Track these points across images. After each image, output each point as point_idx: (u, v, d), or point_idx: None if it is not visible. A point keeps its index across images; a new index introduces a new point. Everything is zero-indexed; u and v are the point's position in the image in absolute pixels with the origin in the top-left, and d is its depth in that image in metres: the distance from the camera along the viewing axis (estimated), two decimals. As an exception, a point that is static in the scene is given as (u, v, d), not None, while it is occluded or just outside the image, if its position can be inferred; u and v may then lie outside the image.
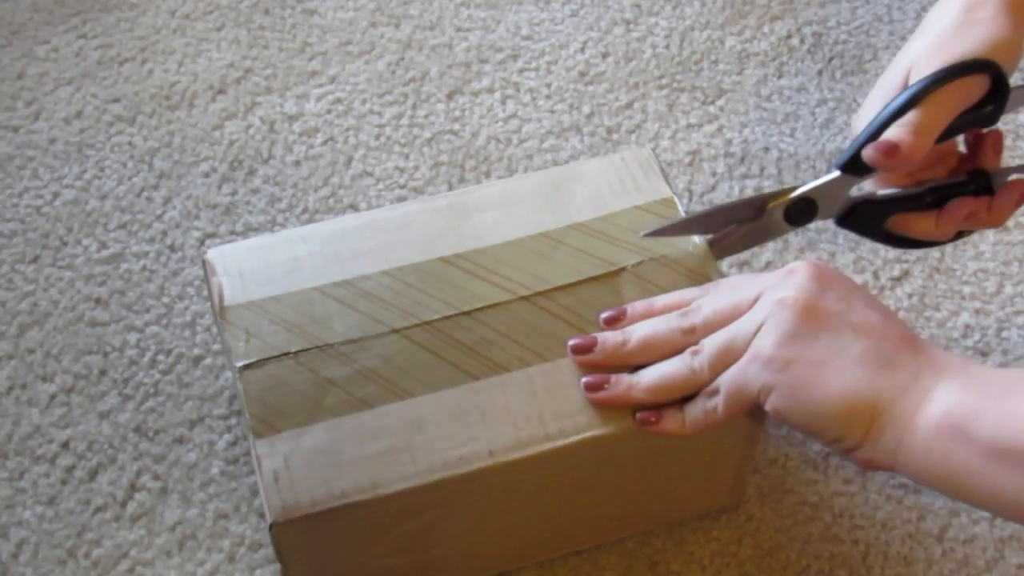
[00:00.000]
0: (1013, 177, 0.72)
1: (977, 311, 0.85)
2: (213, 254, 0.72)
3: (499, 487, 0.66)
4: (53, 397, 0.81)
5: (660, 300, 0.68)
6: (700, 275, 0.70)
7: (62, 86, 0.97)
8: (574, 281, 0.70)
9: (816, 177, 0.72)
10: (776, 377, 0.62)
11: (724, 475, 0.73)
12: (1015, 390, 0.58)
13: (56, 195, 0.91)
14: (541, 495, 0.68)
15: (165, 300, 0.85)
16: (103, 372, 0.82)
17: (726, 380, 0.64)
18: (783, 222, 0.72)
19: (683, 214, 0.73)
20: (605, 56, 1.00)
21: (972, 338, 0.84)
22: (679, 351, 0.66)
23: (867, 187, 0.72)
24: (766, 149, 0.94)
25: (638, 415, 0.65)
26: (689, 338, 0.66)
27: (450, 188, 0.91)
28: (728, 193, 0.91)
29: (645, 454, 0.68)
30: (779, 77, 0.98)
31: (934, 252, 0.88)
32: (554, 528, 0.72)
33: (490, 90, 0.97)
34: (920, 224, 0.72)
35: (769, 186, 0.91)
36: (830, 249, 0.88)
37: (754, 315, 0.64)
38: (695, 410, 0.65)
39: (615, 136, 0.95)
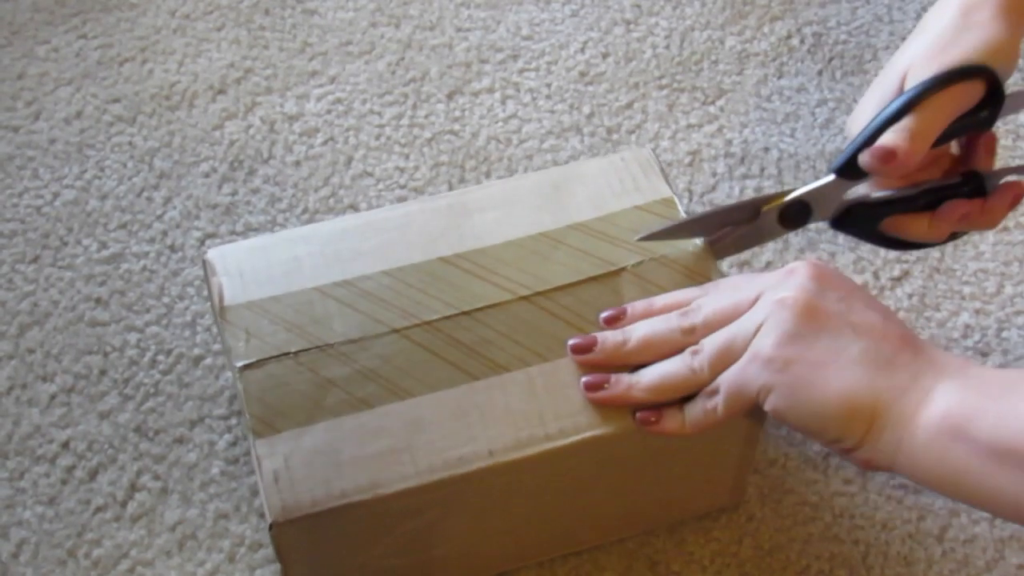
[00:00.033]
0: (1007, 179, 0.72)
1: (977, 311, 0.85)
2: (213, 254, 0.72)
3: (499, 487, 0.66)
4: (53, 397, 0.81)
5: (660, 300, 0.68)
6: (700, 275, 0.70)
7: (62, 86, 0.97)
8: (574, 281, 0.70)
9: (816, 178, 0.72)
10: (776, 377, 0.62)
11: (724, 475, 0.73)
12: (1015, 391, 0.58)
13: (56, 195, 0.91)
14: (541, 495, 0.68)
15: (165, 300, 0.85)
16: (103, 372, 0.82)
17: (726, 380, 0.64)
18: (777, 225, 0.73)
19: (683, 214, 0.73)
20: (605, 56, 1.00)
21: (972, 338, 0.84)
22: (679, 351, 0.66)
23: (861, 189, 0.72)
24: (766, 149, 0.94)
25: (638, 415, 0.65)
26: (689, 338, 0.66)
27: (450, 188, 0.91)
28: (728, 193, 0.91)
29: (645, 454, 0.68)
30: (779, 77, 0.98)
31: (934, 252, 0.88)
32: (554, 528, 0.72)
33: (490, 90, 0.97)
34: (914, 226, 0.72)
35: (769, 186, 0.91)
36: (830, 249, 0.88)
37: (754, 315, 0.64)
38: (695, 410, 0.65)
39: (615, 136, 0.95)
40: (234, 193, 0.91)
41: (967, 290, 0.86)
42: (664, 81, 0.98)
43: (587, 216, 0.73)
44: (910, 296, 0.86)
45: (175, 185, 0.91)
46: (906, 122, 0.67)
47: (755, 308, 0.64)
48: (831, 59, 0.99)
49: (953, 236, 0.73)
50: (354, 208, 0.90)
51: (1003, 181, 0.72)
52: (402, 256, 0.71)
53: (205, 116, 0.96)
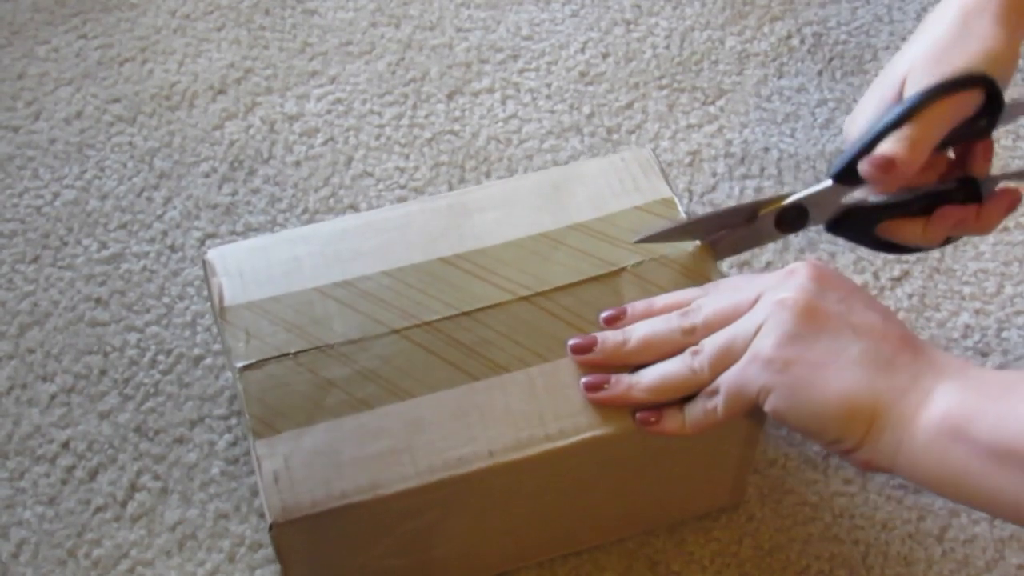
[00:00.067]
0: (1002, 185, 0.72)
1: (977, 311, 0.85)
2: (213, 254, 0.72)
3: (499, 487, 0.66)
4: (53, 397, 0.81)
5: (660, 300, 0.68)
6: (700, 275, 0.70)
7: (62, 86, 0.97)
8: (574, 281, 0.70)
9: (816, 178, 0.73)
10: (775, 378, 0.62)
11: (724, 475, 0.73)
12: (1014, 392, 0.58)
13: (56, 195, 0.91)
14: (541, 495, 0.68)
15: (165, 300, 0.85)
16: (103, 372, 0.82)
17: (726, 380, 0.64)
18: (775, 228, 0.73)
19: (683, 215, 0.73)
20: (605, 56, 1.00)
21: (972, 338, 0.84)
22: (679, 351, 0.66)
23: (858, 193, 0.72)
24: (766, 149, 0.94)
25: (638, 415, 0.66)
26: (689, 338, 0.66)
27: (450, 188, 0.91)
28: (728, 193, 0.91)
29: (645, 454, 0.68)
30: (779, 77, 0.98)
31: (934, 253, 0.88)
32: (554, 528, 0.72)
33: (490, 90, 0.97)
34: (909, 230, 0.72)
35: (769, 186, 0.91)
36: (830, 249, 0.88)
37: (754, 315, 0.64)
38: (695, 410, 0.65)
39: (615, 136, 0.95)
40: (234, 193, 0.91)
41: (967, 290, 0.86)
42: (664, 81, 0.98)
43: (587, 216, 0.73)
44: (910, 296, 0.86)
45: (175, 185, 0.91)
46: (905, 131, 0.67)
47: (755, 309, 0.64)
48: (831, 59, 0.99)
49: (947, 241, 0.73)
50: (354, 208, 0.90)
51: (998, 187, 0.72)
52: (402, 256, 0.71)
53: (205, 116, 0.96)
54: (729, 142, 0.94)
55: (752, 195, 0.91)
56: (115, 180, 0.92)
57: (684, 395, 0.65)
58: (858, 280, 0.86)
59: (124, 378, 0.81)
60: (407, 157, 0.93)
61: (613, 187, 0.75)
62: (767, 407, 0.63)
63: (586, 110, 0.96)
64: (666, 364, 0.66)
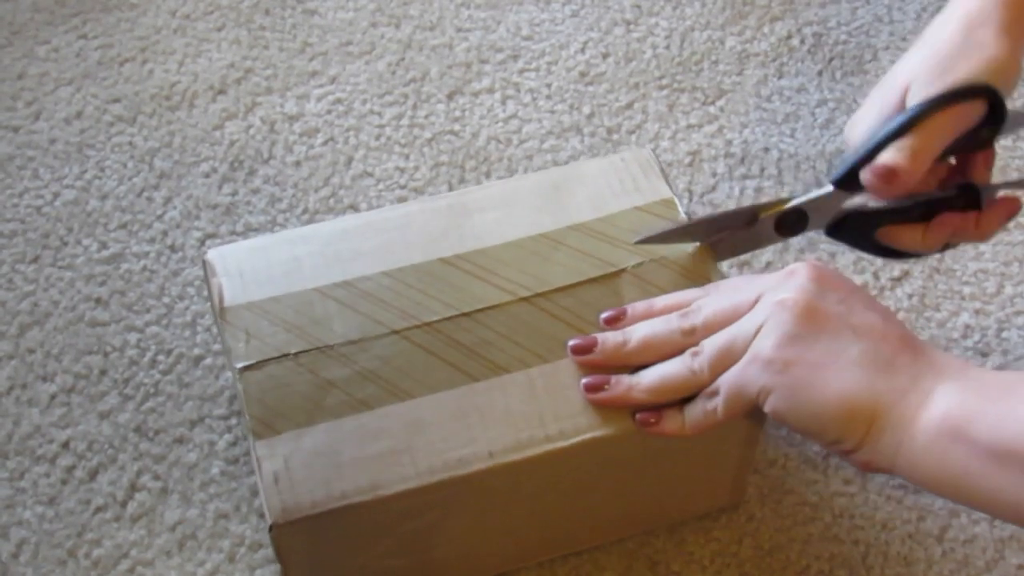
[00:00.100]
0: (1002, 193, 0.72)
1: (977, 311, 0.85)
2: (213, 254, 0.72)
3: (499, 488, 0.66)
4: (53, 397, 0.81)
5: (660, 301, 0.68)
6: (700, 276, 0.70)
7: (62, 86, 0.97)
8: (574, 282, 0.70)
9: (816, 178, 0.73)
10: (775, 379, 0.62)
11: (724, 476, 0.73)
12: (1014, 392, 0.58)
13: (56, 195, 0.91)
14: (541, 496, 0.68)
15: (165, 300, 0.85)
16: (103, 372, 0.82)
17: (726, 381, 0.64)
18: (774, 232, 0.73)
19: (683, 215, 0.73)
20: (605, 56, 1.00)
21: (972, 339, 0.84)
22: (679, 352, 0.66)
23: (857, 198, 0.72)
24: (766, 149, 0.94)
25: (638, 416, 0.66)
26: (689, 339, 0.66)
27: (450, 188, 0.91)
28: (728, 193, 0.91)
29: (645, 455, 0.68)
30: (779, 77, 0.98)
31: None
32: (554, 529, 0.72)
33: (490, 90, 0.97)
34: (907, 236, 0.72)
35: (769, 186, 0.91)
36: (830, 249, 0.88)
37: (754, 316, 0.64)
38: (695, 411, 0.65)
39: (615, 136, 0.95)
40: (234, 193, 0.91)
41: (967, 290, 0.86)
42: (664, 81, 0.98)
43: (587, 217, 0.73)
44: (910, 296, 0.86)
45: (175, 185, 0.91)
46: (907, 141, 0.67)
47: (755, 309, 0.64)
48: (831, 59, 0.99)
49: (946, 247, 0.74)
50: (354, 208, 0.90)
51: (998, 195, 0.72)
52: (402, 257, 0.71)
53: (205, 116, 0.96)
54: (729, 142, 0.94)
55: (752, 195, 0.91)
56: (115, 180, 0.92)
57: (684, 396, 0.65)
58: (858, 280, 0.86)
59: (124, 378, 0.81)
60: (407, 157, 0.93)
61: (613, 187, 0.75)
62: (767, 408, 0.63)
63: (586, 110, 0.96)
64: (666, 365, 0.66)
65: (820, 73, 0.98)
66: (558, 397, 0.66)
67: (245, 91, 0.97)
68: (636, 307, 0.68)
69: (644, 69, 0.99)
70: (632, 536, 0.75)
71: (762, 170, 0.92)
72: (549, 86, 0.98)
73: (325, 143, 0.94)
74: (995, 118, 0.69)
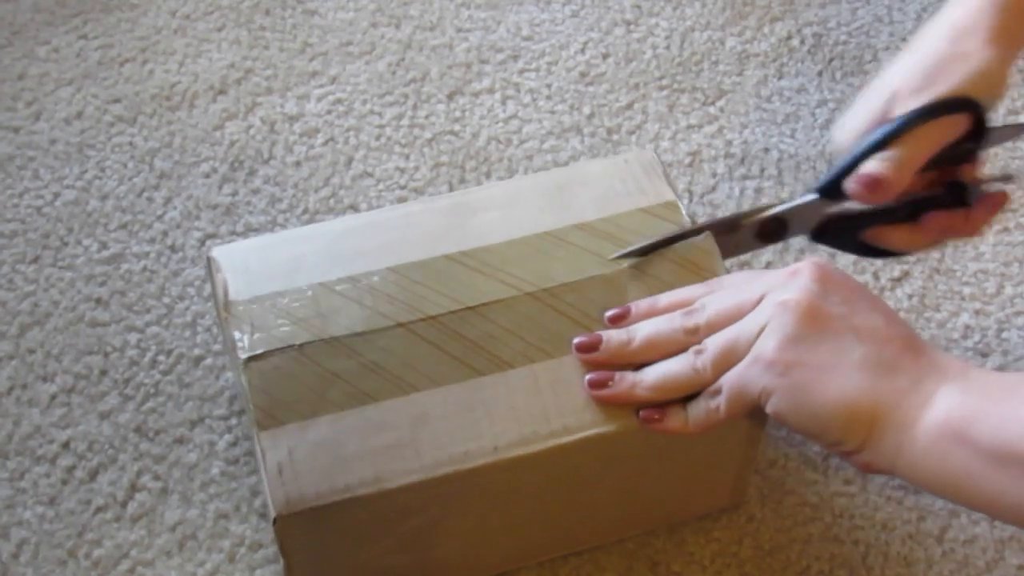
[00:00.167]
0: (989, 188, 0.72)
1: (977, 312, 0.85)
2: (218, 252, 0.72)
3: (502, 484, 0.66)
4: (54, 397, 0.81)
5: (664, 298, 0.69)
6: (705, 271, 0.70)
7: (63, 86, 0.97)
8: (578, 278, 0.70)
9: (816, 178, 0.73)
10: (777, 381, 0.62)
11: (726, 475, 0.73)
12: (1015, 394, 0.58)
13: (57, 195, 0.91)
14: (544, 493, 0.68)
15: (166, 300, 0.85)
16: (104, 372, 0.82)
17: (728, 381, 0.64)
18: (755, 239, 0.73)
19: (686, 217, 0.73)
20: (605, 57, 1.00)
21: (972, 339, 0.84)
22: (682, 350, 0.66)
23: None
24: (766, 150, 0.94)
25: (641, 413, 0.66)
26: (692, 337, 0.66)
27: (450, 189, 0.91)
28: (728, 194, 0.91)
29: (648, 453, 0.68)
30: (779, 78, 0.98)
31: (934, 253, 0.88)
32: (555, 528, 0.72)
33: (490, 91, 0.97)
34: (895, 236, 0.72)
35: (769, 187, 0.91)
36: (830, 250, 0.88)
37: (757, 316, 0.64)
38: (698, 409, 0.65)
39: (615, 137, 0.95)
40: (234, 193, 0.91)
41: (967, 291, 0.86)
42: (664, 82, 0.98)
43: (591, 217, 0.73)
44: (910, 297, 0.86)
45: (175, 185, 0.91)
46: (893, 152, 0.68)
47: (758, 309, 0.64)
48: (831, 60, 1.00)
49: (935, 245, 0.74)
50: (354, 208, 0.90)
51: (985, 190, 0.72)
52: (406, 254, 0.71)
53: (206, 116, 0.96)
54: (729, 143, 0.94)
55: (752, 195, 0.91)
56: (115, 180, 0.92)
57: (687, 394, 0.66)
58: (858, 280, 0.86)
59: (124, 378, 0.81)
60: (407, 157, 0.93)
61: (616, 189, 0.75)
62: (768, 409, 0.63)
63: (586, 110, 0.96)
64: (669, 363, 0.66)
65: (820, 74, 0.99)
66: (562, 393, 0.66)
67: (245, 91, 0.97)
68: (640, 305, 0.69)
69: (644, 69, 0.99)
70: (633, 536, 0.75)
71: (762, 170, 0.92)
72: (549, 86, 0.98)
73: (325, 143, 0.94)
74: (978, 132, 0.69)
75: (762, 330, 0.63)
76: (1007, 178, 0.74)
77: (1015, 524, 0.60)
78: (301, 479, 0.63)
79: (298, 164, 0.93)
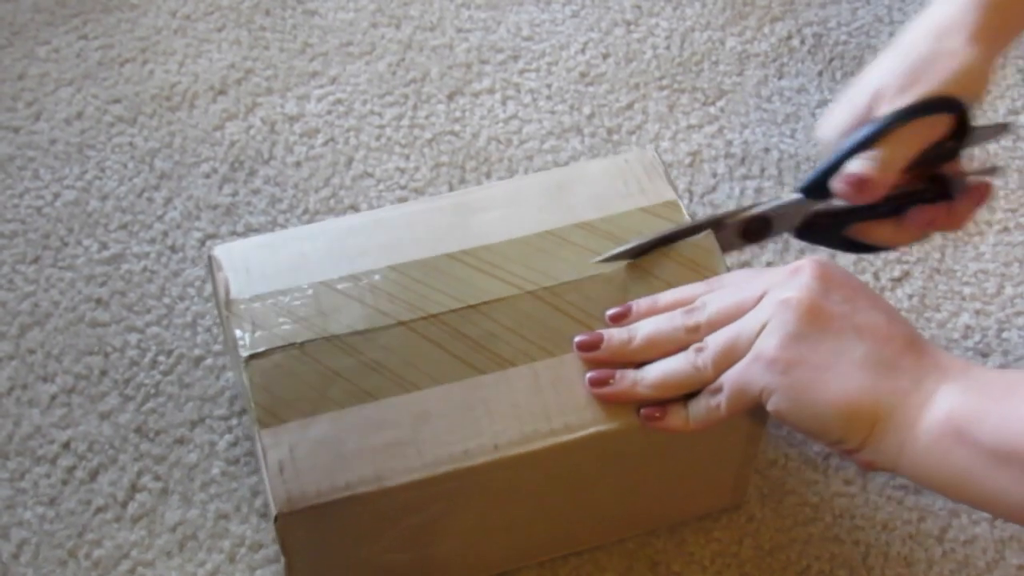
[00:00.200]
0: (972, 180, 0.72)
1: (977, 312, 0.85)
2: (219, 250, 0.72)
3: (503, 482, 0.66)
4: (54, 398, 0.81)
5: (665, 297, 0.69)
6: (706, 269, 0.70)
7: (63, 87, 0.97)
8: (579, 277, 0.70)
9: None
10: (778, 379, 0.62)
11: (726, 474, 0.73)
12: (1017, 393, 0.58)
13: (57, 196, 0.91)
14: (544, 492, 0.68)
15: (166, 301, 0.85)
16: (104, 373, 0.82)
17: (729, 379, 0.64)
18: (738, 238, 0.73)
19: (687, 217, 0.73)
20: (606, 57, 1.00)
21: (972, 339, 0.84)
22: (683, 348, 0.66)
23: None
24: (767, 150, 0.94)
25: (642, 411, 0.66)
26: (693, 336, 0.66)
27: (451, 189, 0.91)
28: (728, 194, 0.91)
29: (648, 451, 0.68)
30: (779, 78, 0.98)
31: (934, 253, 0.88)
32: (556, 527, 0.72)
33: (491, 91, 0.97)
34: (880, 232, 0.73)
35: (770, 187, 0.91)
36: (830, 249, 0.88)
37: (758, 314, 0.64)
38: (699, 407, 0.65)
39: (615, 137, 0.95)
40: (235, 194, 0.91)
41: (967, 291, 0.86)
42: (664, 82, 0.98)
43: (592, 216, 0.73)
44: (910, 297, 0.86)
45: (176, 186, 0.91)
46: (876, 152, 0.68)
47: (759, 307, 0.64)
48: (831, 60, 1.00)
49: (920, 238, 0.74)
50: (355, 209, 0.90)
51: (969, 182, 0.72)
52: (408, 253, 0.71)
53: (206, 117, 0.96)
54: (729, 143, 0.94)
55: (752, 195, 0.91)
56: (116, 181, 0.92)
57: (688, 392, 0.66)
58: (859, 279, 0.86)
59: (125, 379, 0.81)
60: (407, 158, 0.93)
61: (618, 189, 0.75)
62: (769, 407, 0.63)
63: (586, 111, 0.96)
64: (670, 361, 0.66)
65: (820, 74, 0.99)
66: (563, 391, 0.66)
67: (245, 92, 0.97)
68: (641, 304, 0.69)
69: (644, 70, 0.99)
70: (633, 536, 0.75)
71: (762, 170, 0.92)
72: (549, 87, 0.98)
73: (325, 143, 0.94)
74: (961, 131, 0.69)
75: (763, 328, 0.63)
76: (990, 171, 0.74)
77: (1017, 522, 0.60)
78: (302, 477, 0.63)
79: (298, 164, 0.93)
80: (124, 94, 0.97)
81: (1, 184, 0.91)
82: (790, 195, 0.72)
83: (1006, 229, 0.89)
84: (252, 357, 0.67)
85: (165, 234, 0.89)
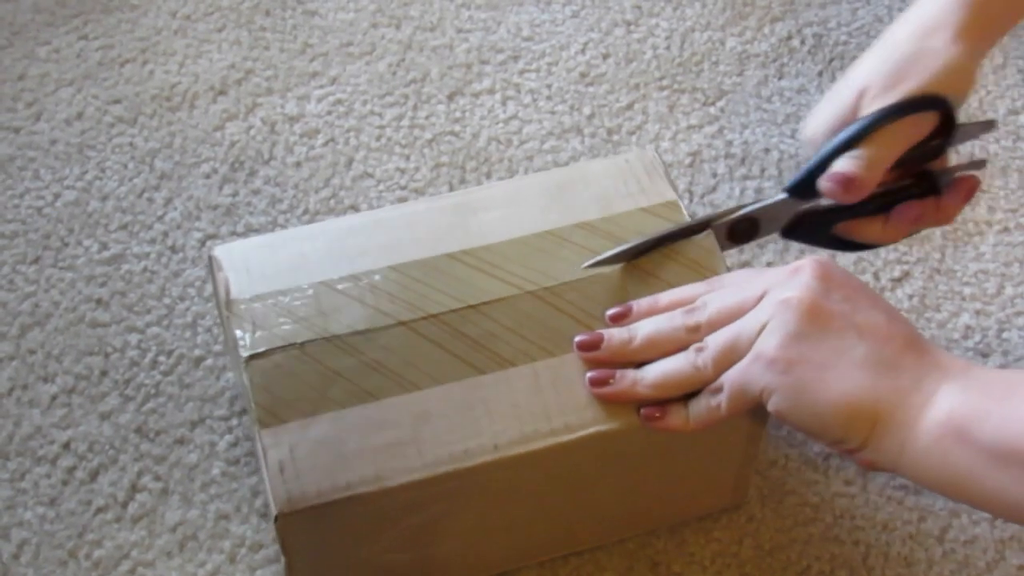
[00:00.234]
0: (960, 174, 0.72)
1: (978, 312, 0.85)
2: (220, 251, 0.72)
3: (503, 482, 0.66)
4: (54, 398, 0.81)
5: (665, 297, 0.69)
6: (706, 269, 0.70)
7: (63, 87, 0.97)
8: (580, 277, 0.70)
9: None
10: (779, 379, 0.62)
11: (727, 474, 0.73)
12: (1017, 393, 0.58)
13: (57, 196, 0.91)
14: (544, 491, 0.68)
15: (166, 301, 0.85)
16: (104, 373, 0.82)
17: (729, 379, 0.64)
18: (726, 240, 0.73)
19: (687, 217, 0.73)
20: (606, 57, 1.00)
21: (972, 339, 0.84)
22: (684, 348, 0.66)
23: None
24: (767, 150, 0.94)
25: (642, 411, 0.66)
26: (694, 336, 0.66)
27: (451, 189, 0.91)
28: (729, 194, 0.91)
29: (648, 451, 0.68)
30: (780, 78, 0.98)
31: (934, 253, 0.88)
32: (556, 527, 0.72)
33: (491, 91, 0.97)
34: (868, 229, 0.72)
35: (770, 187, 0.91)
36: (830, 250, 0.88)
37: (758, 314, 0.64)
38: (699, 407, 0.65)
39: (616, 137, 0.95)
40: (235, 194, 0.91)
41: (968, 291, 0.86)
42: (665, 82, 0.98)
43: (592, 216, 0.73)
44: (910, 297, 0.86)
45: (176, 186, 0.91)
46: (862, 151, 0.68)
47: (760, 307, 0.64)
48: (831, 60, 1.00)
49: (909, 234, 0.74)
50: (355, 209, 0.90)
51: (956, 176, 0.72)
52: (408, 252, 0.71)
53: (206, 117, 0.96)
54: (730, 143, 0.94)
55: (753, 196, 0.91)
56: (116, 181, 0.92)
57: (688, 391, 0.66)
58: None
59: (125, 379, 0.81)
60: (408, 158, 0.93)
61: (618, 189, 0.75)
62: (770, 407, 0.63)
63: (586, 111, 0.96)
64: (670, 361, 0.66)
65: (820, 74, 0.99)
66: (563, 391, 0.66)
67: (246, 92, 0.97)
68: (641, 303, 0.69)
69: (644, 70, 0.99)
70: (633, 536, 0.75)
71: (763, 171, 0.92)
72: (549, 87, 0.98)
73: (326, 144, 0.94)
74: (946, 130, 0.69)
75: (763, 328, 0.63)
76: (977, 164, 0.74)
77: (1017, 522, 0.60)
78: (302, 477, 0.63)
79: (298, 165, 0.93)
80: (124, 94, 0.97)
81: (1, 184, 0.91)
82: (777, 195, 0.72)
83: (1006, 229, 0.89)
84: (252, 357, 0.67)
85: (165, 234, 0.89)
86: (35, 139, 0.94)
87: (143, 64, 0.99)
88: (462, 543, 0.70)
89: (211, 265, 0.71)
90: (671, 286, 0.69)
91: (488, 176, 0.92)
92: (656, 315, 0.68)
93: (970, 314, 0.85)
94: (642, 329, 0.67)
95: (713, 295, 0.67)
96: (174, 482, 0.77)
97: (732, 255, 0.86)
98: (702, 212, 0.90)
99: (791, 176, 0.92)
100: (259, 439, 0.64)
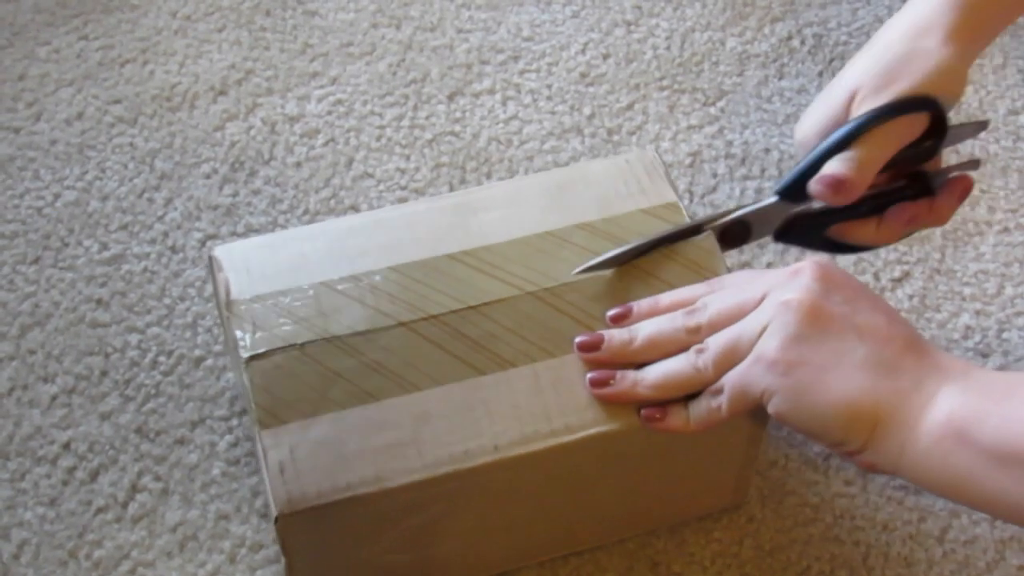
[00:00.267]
0: (953, 175, 0.72)
1: (978, 312, 0.85)
2: (220, 251, 0.72)
3: (503, 483, 0.66)
4: (54, 398, 0.81)
5: (666, 298, 0.69)
6: (707, 270, 0.70)
7: (63, 87, 0.97)
8: (580, 278, 0.70)
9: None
10: (779, 381, 0.62)
11: (727, 475, 0.73)
12: (1017, 394, 0.58)
13: (57, 196, 0.91)
14: (545, 492, 0.68)
15: (166, 301, 0.85)
16: (104, 373, 0.82)
17: (730, 380, 0.64)
18: (717, 244, 0.73)
19: (687, 218, 0.73)
20: (606, 57, 1.00)
21: (972, 339, 0.84)
22: (684, 349, 0.66)
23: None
24: (767, 150, 0.94)
25: (643, 411, 0.66)
26: (694, 337, 0.66)
27: (451, 189, 0.91)
28: (729, 194, 0.91)
29: (649, 452, 0.68)
30: (780, 78, 0.98)
31: (934, 253, 0.88)
32: (556, 527, 0.72)
33: (491, 91, 0.97)
34: (861, 231, 0.72)
35: (770, 188, 0.91)
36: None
37: (759, 315, 0.64)
38: (699, 408, 0.65)
39: (616, 137, 0.95)
40: (235, 194, 0.91)
41: (968, 291, 0.86)
42: (665, 82, 0.98)
43: (593, 217, 0.73)
44: (911, 297, 0.86)
45: (176, 186, 0.91)
46: (853, 152, 0.68)
47: (760, 308, 0.64)
48: (832, 60, 1.00)
49: (903, 236, 0.74)
50: (355, 209, 0.90)
51: (950, 177, 0.72)
52: (408, 253, 0.71)
53: (206, 117, 0.96)
54: (730, 143, 0.94)
55: (753, 196, 0.91)
56: (116, 181, 0.92)
57: (688, 393, 0.66)
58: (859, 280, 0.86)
59: (125, 379, 0.81)
60: (408, 158, 0.93)
61: (619, 189, 0.75)
62: (770, 409, 0.63)
63: (587, 111, 0.96)
64: (671, 362, 0.66)
65: (821, 74, 0.99)
66: (563, 392, 0.66)
67: (246, 92, 0.97)
68: (641, 304, 0.69)
69: (645, 70, 0.99)
70: (633, 536, 0.75)
71: (763, 171, 0.92)
72: (550, 87, 0.98)
73: (326, 144, 0.94)
74: (937, 131, 0.69)
75: (764, 329, 0.63)
76: (971, 164, 0.74)
77: (1017, 524, 0.60)
78: (303, 478, 0.63)
79: (299, 165, 0.93)
80: (124, 95, 0.97)
81: (2, 185, 0.91)
82: (768, 198, 0.72)
83: (1006, 229, 0.89)
84: (253, 358, 0.67)
85: (165, 235, 0.89)
86: (35, 139, 0.94)
87: (143, 64, 0.99)
88: (462, 543, 0.70)
89: (211, 265, 0.71)
90: (671, 287, 0.69)
91: (488, 176, 0.92)
92: (657, 316, 0.68)
93: (970, 314, 0.85)
94: (643, 330, 0.67)
95: (714, 296, 0.67)
96: (174, 482, 0.77)
97: (732, 255, 0.86)
98: (702, 212, 0.90)
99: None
100: (259, 440, 0.64)
